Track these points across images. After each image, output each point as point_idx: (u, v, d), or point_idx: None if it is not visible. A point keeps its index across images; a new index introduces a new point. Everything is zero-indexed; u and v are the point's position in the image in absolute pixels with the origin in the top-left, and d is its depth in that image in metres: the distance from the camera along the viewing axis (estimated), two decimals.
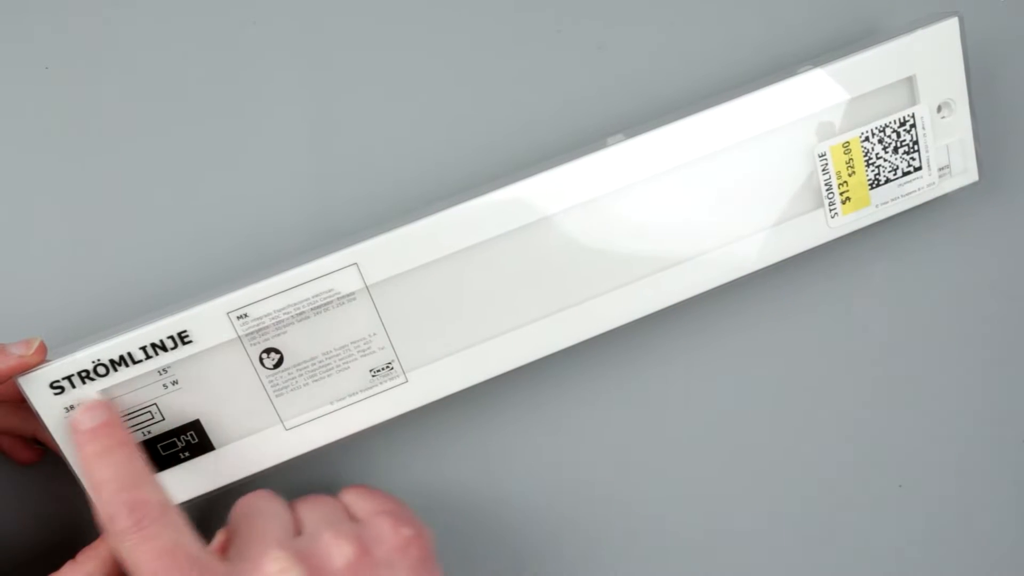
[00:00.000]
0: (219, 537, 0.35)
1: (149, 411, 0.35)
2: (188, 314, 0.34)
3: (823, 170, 0.37)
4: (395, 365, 0.36)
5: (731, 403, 0.43)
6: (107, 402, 0.34)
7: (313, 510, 0.35)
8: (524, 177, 0.35)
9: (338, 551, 0.33)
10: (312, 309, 0.35)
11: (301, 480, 0.41)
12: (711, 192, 0.37)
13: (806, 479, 0.43)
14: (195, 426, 0.35)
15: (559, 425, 0.42)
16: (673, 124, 0.36)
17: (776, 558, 0.43)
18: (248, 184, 0.40)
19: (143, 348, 0.34)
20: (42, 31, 0.39)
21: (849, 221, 0.38)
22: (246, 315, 0.34)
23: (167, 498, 0.32)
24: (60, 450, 0.35)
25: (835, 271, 0.42)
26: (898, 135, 0.37)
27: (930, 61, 0.37)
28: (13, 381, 0.34)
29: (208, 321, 0.34)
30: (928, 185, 0.39)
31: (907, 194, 0.38)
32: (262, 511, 0.35)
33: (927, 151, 0.38)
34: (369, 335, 0.35)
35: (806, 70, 0.36)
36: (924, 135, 0.38)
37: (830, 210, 0.38)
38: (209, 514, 0.41)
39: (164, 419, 0.35)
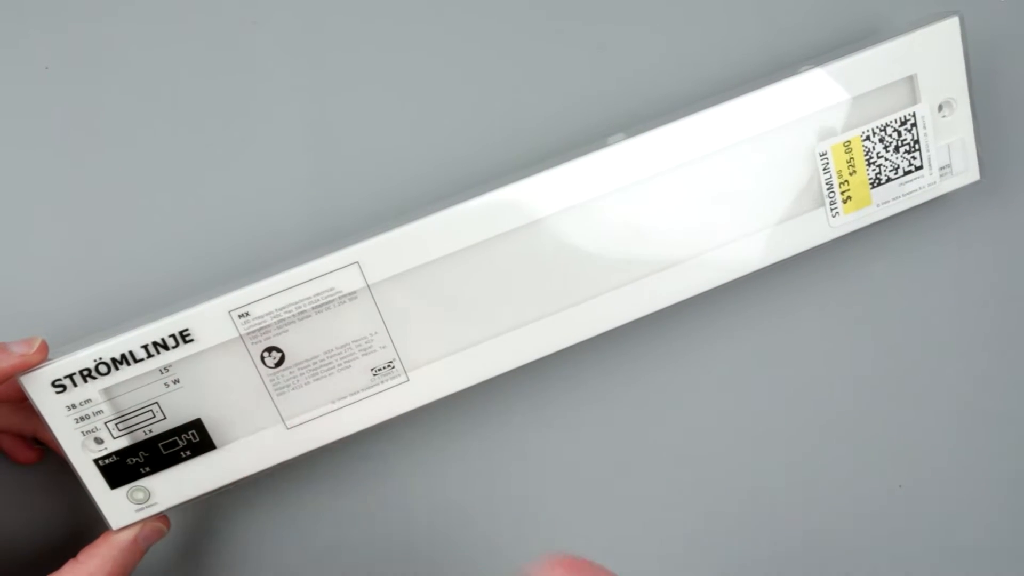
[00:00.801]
0: None
1: (150, 410, 0.35)
2: (190, 313, 0.35)
3: (824, 169, 0.38)
4: (396, 364, 0.37)
5: (731, 402, 0.43)
6: None
7: None
8: (525, 176, 0.36)
9: None
10: (313, 308, 0.35)
11: (302, 480, 0.42)
12: (712, 191, 0.37)
13: (806, 479, 0.43)
14: (196, 425, 0.36)
15: (560, 425, 0.42)
16: (674, 123, 0.36)
17: (776, 558, 0.44)
18: (249, 184, 0.40)
19: (145, 347, 0.34)
20: (42, 31, 0.39)
21: (850, 220, 0.39)
22: (247, 314, 0.35)
23: None
24: (61, 450, 0.36)
25: (836, 270, 0.43)
26: (899, 134, 0.38)
27: (931, 60, 0.37)
28: (14, 380, 0.35)
29: (210, 320, 0.35)
30: (929, 184, 0.39)
31: (908, 193, 0.39)
32: None
33: (928, 150, 0.39)
34: (370, 334, 0.36)
35: (807, 69, 0.37)
36: (925, 134, 0.38)
37: (831, 209, 0.38)
38: (210, 514, 0.41)
39: (165, 418, 0.36)
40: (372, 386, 0.37)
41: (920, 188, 0.39)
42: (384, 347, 0.36)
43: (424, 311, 0.36)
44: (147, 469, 0.36)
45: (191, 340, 0.35)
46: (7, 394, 0.36)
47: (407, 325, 0.36)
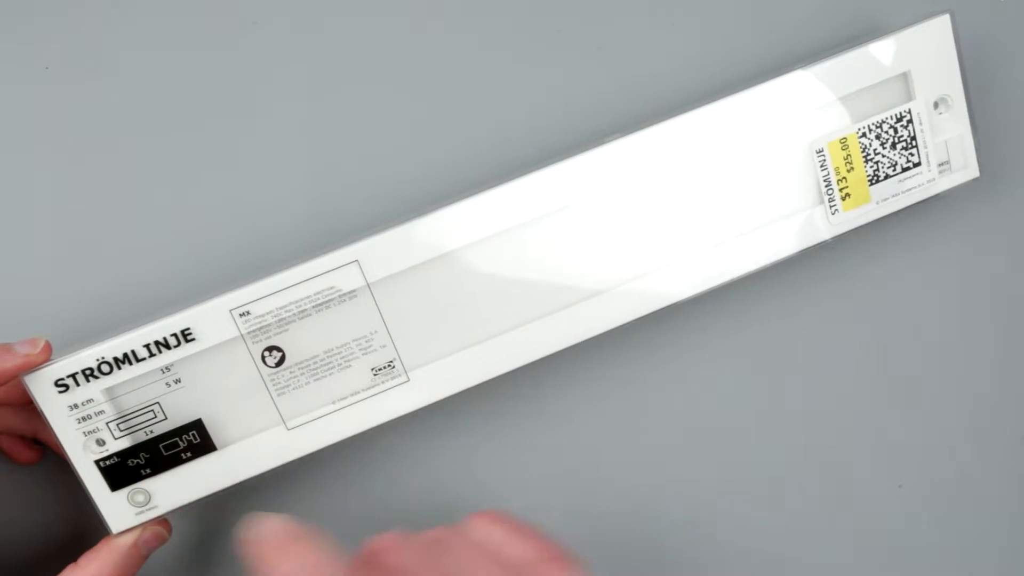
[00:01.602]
0: None
1: (152, 410, 0.36)
2: (191, 312, 0.35)
3: (821, 167, 0.39)
4: (396, 363, 0.37)
5: (731, 402, 0.44)
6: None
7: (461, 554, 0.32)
8: (524, 175, 0.37)
9: None
10: (314, 307, 0.36)
11: (302, 481, 0.42)
12: (709, 190, 0.38)
13: (806, 478, 0.44)
14: (197, 425, 0.36)
15: (562, 425, 0.43)
16: (670, 121, 0.37)
17: (776, 557, 0.44)
18: (249, 184, 0.41)
19: (147, 346, 0.35)
20: (42, 31, 0.40)
21: (850, 218, 0.39)
22: (248, 313, 0.36)
23: None
24: (62, 450, 0.36)
25: (836, 268, 0.43)
26: (895, 131, 0.39)
27: (924, 57, 0.38)
28: (18, 381, 0.35)
29: (211, 319, 0.35)
30: (928, 181, 0.40)
31: (907, 190, 0.40)
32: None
33: (926, 147, 0.39)
34: (370, 333, 0.37)
35: (801, 67, 0.38)
36: (922, 131, 0.39)
37: (830, 207, 0.39)
38: (210, 515, 0.42)
39: (167, 418, 0.36)
40: (372, 386, 0.37)
41: (919, 185, 0.40)
42: (384, 346, 0.37)
43: (424, 310, 0.37)
44: (148, 471, 0.36)
45: (192, 339, 0.35)
46: (9, 395, 0.37)
47: (407, 324, 0.37)
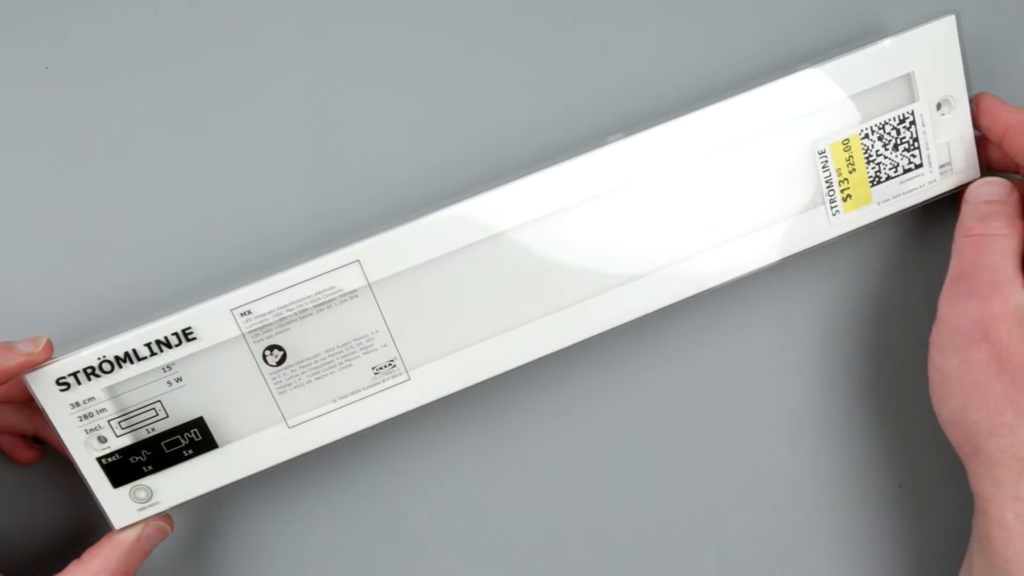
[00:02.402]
0: None
1: (153, 408, 0.37)
2: (193, 311, 0.36)
3: (823, 167, 0.39)
4: (397, 363, 0.38)
5: (731, 402, 0.44)
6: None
7: None
8: (526, 175, 0.37)
9: None
10: (315, 306, 0.37)
11: (303, 479, 0.43)
12: (711, 190, 0.38)
13: (806, 479, 0.44)
14: (199, 423, 0.37)
15: (563, 424, 0.43)
16: (672, 122, 0.38)
17: (776, 557, 0.44)
18: (250, 184, 0.41)
19: (148, 345, 0.36)
20: (42, 31, 0.41)
21: (851, 219, 0.40)
22: (249, 312, 0.36)
23: None
24: (63, 448, 0.37)
25: (837, 269, 0.43)
26: (898, 132, 0.39)
27: (928, 58, 0.38)
28: (18, 380, 0.36)
29: (212, 318, 0.36)
30: (930, 182, 0.40)
31: (909, 191, 0.40)
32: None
33: (928, 148, 0.40)
34: (371, 332, 0.37)
35: (805, 68, 0.38)
36: (924, 132, 0.39)
37: (831, 208, 0.39)
38: (211, 514, 0.43)
39: (168, 416, 0.37)
40: (373, 385, 0.38)
41: (921, 186, 0.40)
42: (385, 345, 0.37)
43: (425, 310, 0.37)
44: (149, 468, 0.37)
45: (194, 338, 0.36)
46: (10, 394, 0.38)
47: (408, 324, 0.37)
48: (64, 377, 0.36)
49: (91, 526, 0.42)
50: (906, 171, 0.40)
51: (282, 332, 0.37)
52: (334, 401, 0.38)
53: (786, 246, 0.40)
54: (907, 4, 0.42)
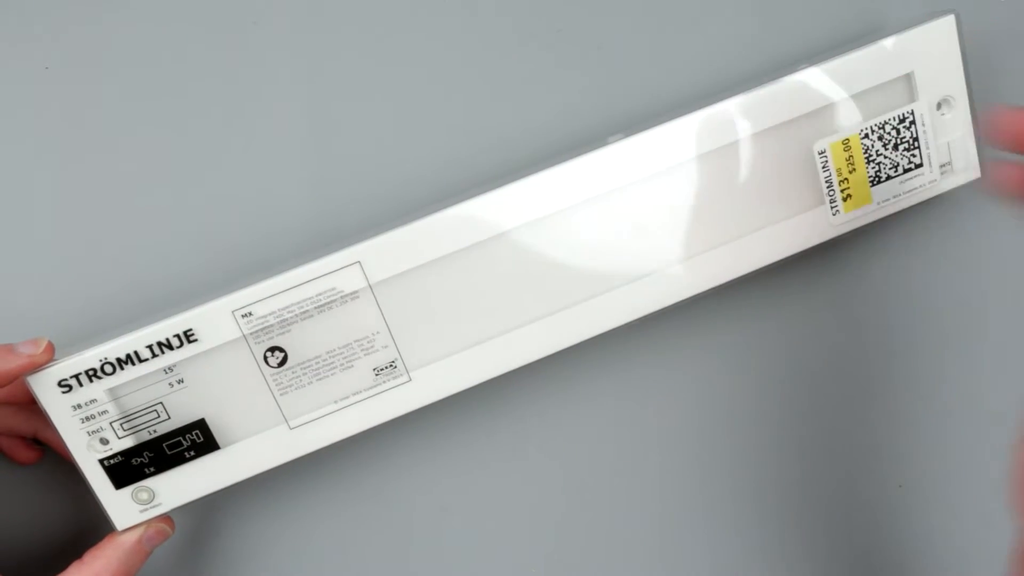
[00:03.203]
0: None
1: (155, 410, 0.37)
2: (194, 313, 0.36)
3: (823, 167, 0.39)
4: (398, 364, 0.38)
5: (731, 401, 0.44)
6: None
7: None
8: (527, 176, 0.37)
9: None
10: (316, 308, 0.37)
11: (304, 480, 0.43)
12: (711, 190, 0.39)
13: (805, 477, 0.45)
14: (200, 425, 0.37)
15: (564, 424, 0.44)
16: (673, 122, 0.38)
17: (775, 557, 0.45)
18: (250, 184, 0.42)
19: (149, 347, 0.36)
20: (42, 31, 0.41)
21: (851, 218, 0.40)
22: (251, 313, 0.36)
23: None
24: (63, 449, 0.37)
25: (837, 269, 0.44)
26: (898, 132, 0.39)
27: (928, 58, 0.39)
28: (20, 382, 0.36)
29: (213, 319, 0.36)
30: (930, 182, 0.40)
31: (909, 191, 0.40)
32: None
33: (928, 148, 0.40)
34: (372, 334, 0.38)
35: (804, 68, 0.38)
36: (924, 132, 0.40)
37: (831, 207, 0.40)
38: (213, 515, 0.43)
39: (170, 418, 0.37)
40: (375, 386, 0.38)
41: (921, 186, 0.40)
42: (386, 347, 0.38)
43: (426, 311, 0.38)
44: (151, 469, 0.37)
45: (195, 340, 0.36)
46: (12, 395, 0.38)
47: (409, 325, 0.38)
48: (66, 379, 0.36)
49: (91, 527, 0.43)
50: (906, 171, 0.40)
51: (283, 333, 0.37)
52: (335, 402, 0.38)
53: (786, 246, 0.40)
54: (907, 4, 0.43)
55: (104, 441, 0.37)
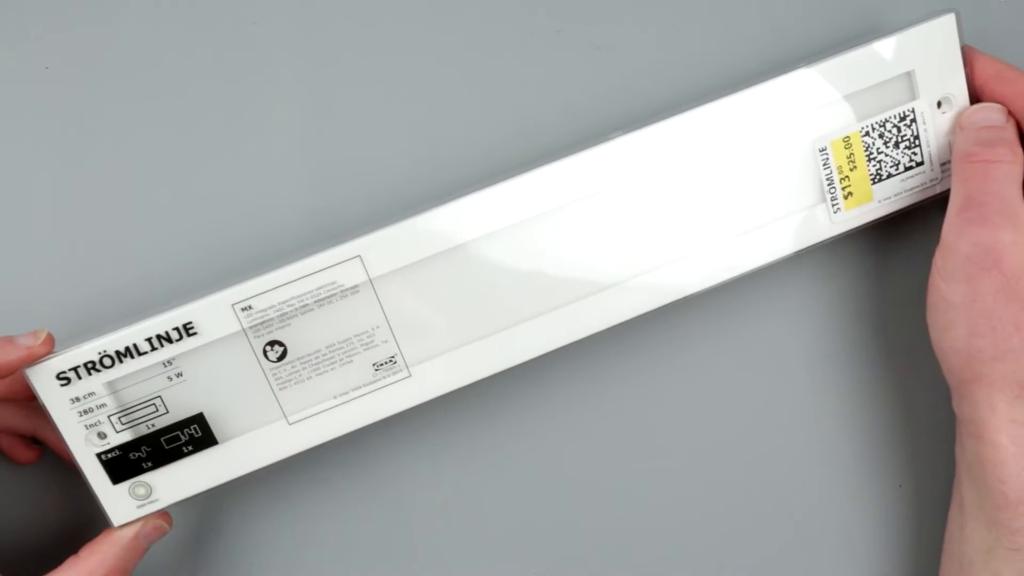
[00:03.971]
0: None
1: (153, 404, 0.37)
2: (193, 306, 0.36)
3: (824, 165, 0.39)
4: (398, 359, 0.38)
5: (731, 401, 0.44)
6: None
7: None
8: (526, 172, 0.38)
9: None
10: (316, 302, 0.37)
11: (303, 476, 0.43)
12: (711, 188, 0.39)
13: (805, 478, 0.45)
14: (199, 419, 0.37)
15: (564, 422, 0.44)
16: (673, 119, 0.38)
17: (775, 557, 0.45)
18: (251, 180, 0.42)
19: (149, 340, 0.36)
20: (42, 31, 0.41)
21: (852, 216, 0.40)
22: (250, 307, 0.37)
23: None
24: (61, 448, 0.37)
25: (837, 267, 0.44)
26: (899, 130, 0.40)
27: (928, 57, 0.39)
28: (18, 378, 0.37)
29: (213, 313, 0.36)
30: (931, 180, 0.41)
31: (910, 189, 0.41)
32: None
33: (929, 146, 0.40)
34: (372, 328, 0.38)
35: (805, 65, 0.39)
36: (925, 130, 0.40)
37: (832, 205, 0.40)
38: (210, 511, 0.43)
39: (168, 412, 0.37)
40: (374, 381, 0.38)
41: (922, 184, 0.41)
42: (386, 342, 0.38)
43: (426, 306, 0.38)
44: (149, 464, 0.38)
45: (194, 333, 0.37)
46: (11, 392, 0.38)
47: (409, 320, 0.38)
48: (64, 372, 0.36)
49: (89, 525, 0.43)
50: (907, 168, 0.40)
51: (283, 327, 0.37)
52: (335, 398, 0.38)
53: (787, 244, 0.40)
54: (907, 3, 0.43)
55: (102, 435, 0.37)
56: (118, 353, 0.36)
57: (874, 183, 0.40)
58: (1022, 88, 0.39)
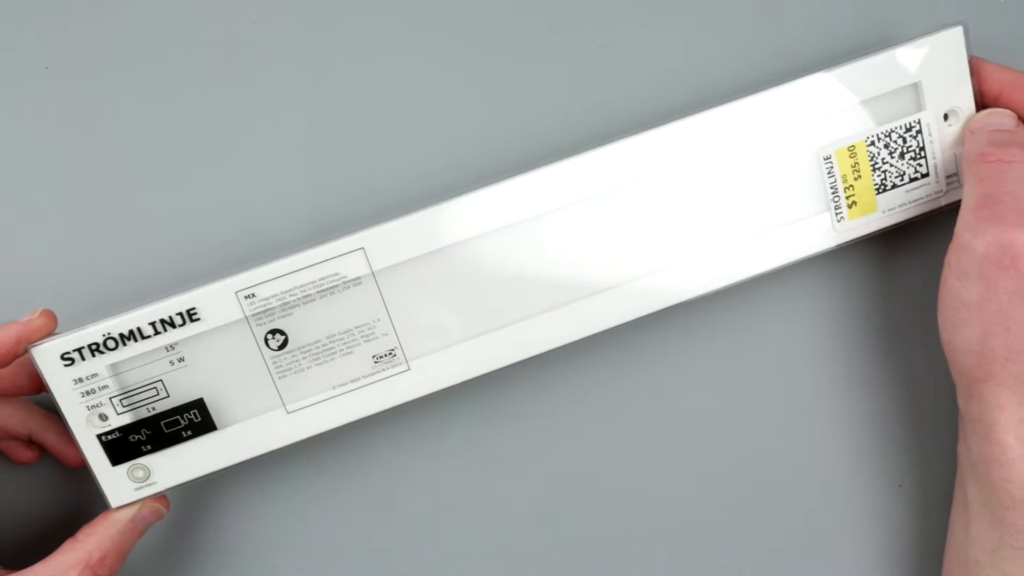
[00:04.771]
0: None
1: (155, 387, 0.38)
2: (197, 292, 0.37)
3: (829, 173, 0.40)
4: (398, 352, 0.39)
5: (733, 403, 0.45)
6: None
7: None
8: (531, 170, 0.38)
9: None
10: (318, 292, 0.38)
11: (300, 466, 0.44)
12: (715, 193, 0.39)
13: (805, 478, 0.45)
14: (199, 405, 0.38)
15: (563, 419, 0.44)
16: (678, 122, 0.39)
17: (775, 557, 0.45)
18: (258, 174, 0.43)
19: (152, 324, 0.37)
20: (42, 31, 0.42)
21: (856, 226, 0.41)
22: (254, 295, 0.37)
23: None
24: (59, 451, 0.38)
25: (840, 276, 0.44)
26: (904, 140, 0.40)
27: (935, 69, 0.39)
28: (17, 376, 0.38)
29: (217, 299, 0.37)
30: (936, 192, 0.41)
31: (914, 201, 0.41)
32: None
33: (934, 158, 0.40)
34: (373, 320, 0.38)
35: (813, 74, 0.39)
36: (931, 141, 0.40)
37: (836, 214, 0.40)
38: (207, 497, 0.44)
39: (169, 396, 0.38)
40: (373, 373, 0.39)
41: (927, 196, 0.41)
42: (386, 334, 0.39)
43: (428, 300, 0.38)
44: (148, 447, 0.38)
45: (198, 319, 0.37)
46: (14, 384, 0.39)
47: (410, 313, 0.38)
48: (69, 352, 0.37)
49: (86, 508, 0.43)
50: (912, 180, 0.41)
51: (285, 316, 0.38)
52: (333, 388, 0.39)
53: (790, 251, 0.40)
54: (915, 15, 0.43)
55: (103, 417, 0.38)
56: (122, 336, 0.37)
57: (878, 193, 0.41)
58: None
